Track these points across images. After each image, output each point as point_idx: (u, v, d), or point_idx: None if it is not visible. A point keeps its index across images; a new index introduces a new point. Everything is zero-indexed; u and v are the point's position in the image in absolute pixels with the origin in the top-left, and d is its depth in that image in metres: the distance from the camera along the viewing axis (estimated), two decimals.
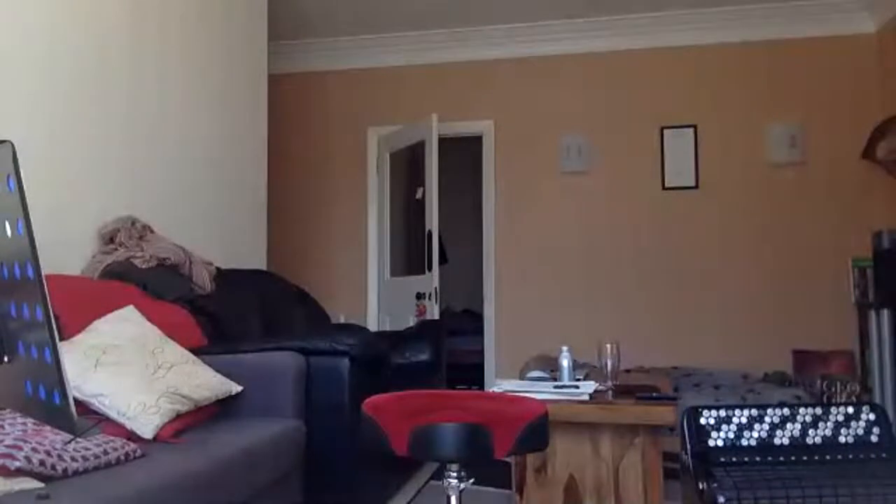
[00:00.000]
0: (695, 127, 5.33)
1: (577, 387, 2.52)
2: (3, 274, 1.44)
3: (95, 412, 1.96)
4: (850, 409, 2.01)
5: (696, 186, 5.31)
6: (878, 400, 4.08)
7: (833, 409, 2.02)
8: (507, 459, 2.43)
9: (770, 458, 1.96)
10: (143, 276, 2.89)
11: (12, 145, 1.31)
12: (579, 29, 5.46)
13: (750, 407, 2.04)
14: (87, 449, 1.60)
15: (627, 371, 3.77)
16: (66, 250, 2.80)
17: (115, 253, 2.93)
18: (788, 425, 2.00)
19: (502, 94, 5.66)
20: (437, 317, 5.00)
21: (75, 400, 1.67)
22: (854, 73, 5.13)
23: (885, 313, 4.11)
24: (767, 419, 2.01)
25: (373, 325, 5.65)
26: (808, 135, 5.17)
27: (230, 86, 4.14)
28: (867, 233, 4.74)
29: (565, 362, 2.69)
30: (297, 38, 5.79)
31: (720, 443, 1.99)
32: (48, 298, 1.35)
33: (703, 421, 2.01)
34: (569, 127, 5.52)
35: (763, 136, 5.24)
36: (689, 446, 1.99)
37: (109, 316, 2.34)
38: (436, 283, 5.01)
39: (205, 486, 1.74)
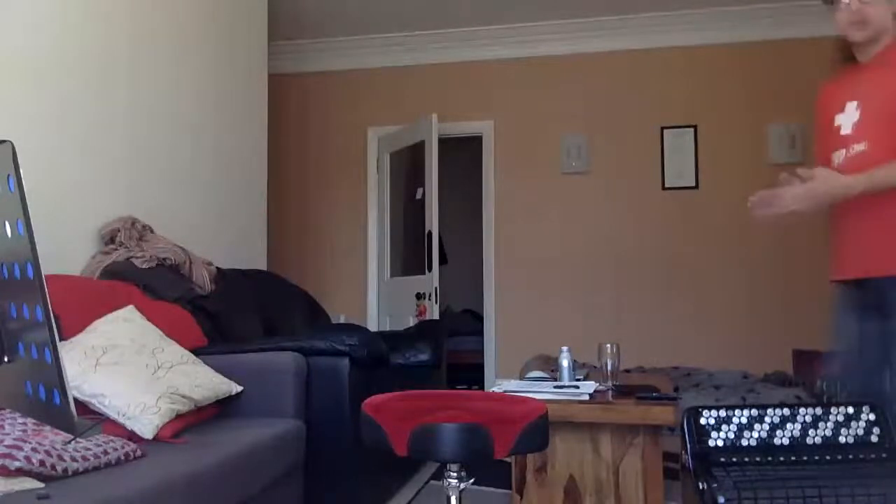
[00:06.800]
0: (695, 127, 5.33)
1: (577, 387, 2.52)
2: (3, 274, 1.44)
3: (95, 412, 1.96)
4: (850, 409, 2.01)
5: (696, 186, 5.31)
6: None
7: (833, 409, 2.02)
8: (507, 459, 2.43)
9: (770, 459, 1.95)
10: (143, 276, 2.89)
11: (12, 145, 1.30)
12: (579, 29, 5.46)
13: (750, 407, 2.03)
14: (87, 449, 1.60)
15: (627, 371, 3.77)
16: (66, 250, 2.80)
17: (115, 253, 2.93)
18: (788, 425, 2.00)
19: (502, 94, 5.66)
20: (437, 317, 5.00)
21: (75, 400, 1.67)
22: None
23: None
24: (767, 419, 2.00)
25: (373, 326, 5.65)
26: (809, 135, 5.17)
27: (230, 86, 4.14)
28: None
29: (565, 362, 2.69)
30: (297, 38, 5.79)
31: (720, 443, 1.99)
32: (48, 298, 1.35)
33: (703, 421, 2.01)
34: (569, 127, 5.52)
35: (763, 136, 5.24)
36: (689, 446, 1.98)
37: (109, 316, 2.34)
38: (436, 283, 5.01)
39: (205, 486, 1.74)
